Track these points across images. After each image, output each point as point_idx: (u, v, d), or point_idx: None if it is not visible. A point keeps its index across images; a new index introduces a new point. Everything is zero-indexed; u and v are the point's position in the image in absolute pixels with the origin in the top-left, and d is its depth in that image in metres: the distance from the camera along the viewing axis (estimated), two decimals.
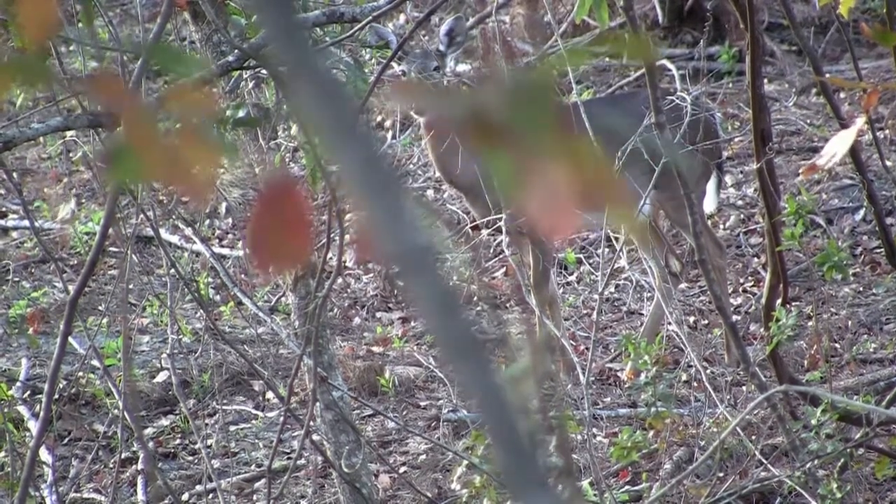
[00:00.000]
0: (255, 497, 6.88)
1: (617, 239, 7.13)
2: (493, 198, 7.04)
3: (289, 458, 6.92)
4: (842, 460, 5.54)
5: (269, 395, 7.70)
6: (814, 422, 5.46)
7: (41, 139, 10.30)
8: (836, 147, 3.33)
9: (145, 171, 1.75)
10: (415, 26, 5.41)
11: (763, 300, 5.89)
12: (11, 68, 1.88)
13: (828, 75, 5.48)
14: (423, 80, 7.15)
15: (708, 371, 6.89)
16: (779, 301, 5.79)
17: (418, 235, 1.41)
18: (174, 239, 9.10)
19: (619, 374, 7.65)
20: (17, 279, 9.16)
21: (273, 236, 1.65)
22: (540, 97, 1.56)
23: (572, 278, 8.86)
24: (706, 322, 8.15)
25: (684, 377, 7.10)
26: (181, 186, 1.76)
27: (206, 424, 7.40)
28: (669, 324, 7.29)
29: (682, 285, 8.11)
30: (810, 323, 7.67)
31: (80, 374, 7.43)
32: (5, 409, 6.97)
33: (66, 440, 7.42)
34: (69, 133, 9.58)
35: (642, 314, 8.30)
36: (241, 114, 4.75)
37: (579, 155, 1.57)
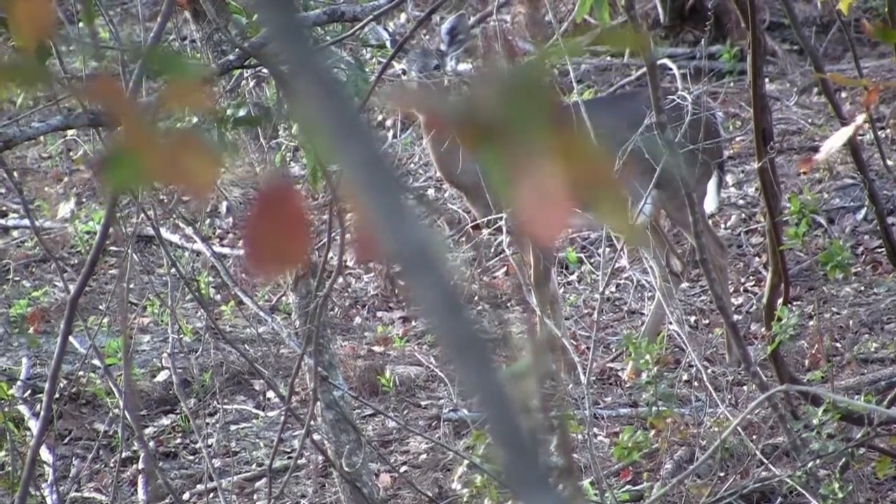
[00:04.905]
0: (255, 496, 6.88)
1: (618, 238, 7.12)
2: (493, 197, 7.04)
3: (289, 458, 6.92)
4: (843, 460, 5.54)
5: (270, 394, 7.70)
6: (815, 421, 5.45)
7: (42, 138, 10.30)
8: (835, 142, 3.33)
9: (141, 175, 1.74)
10: (415, 25, 5.41)
11: (764, 299, 5.89)
12: (8, 70, 1.87)
13: (829, 74, 5.48)
14: (424, 78, 7.14)
15: (709, 371, 6.89)
16: (780, 300, 5.78)
17: (420, 234, 1.40)
18: (175, 238, 9.10)
19: (620, 373, 7.65)
20: (17, 278, 9.15)
21: (270, 238, 1.65)
22: (535, 94, 1.56)
23: (573, 277, 8.85)
24: (707, 321, 8.14)
25: (685, 377, 7.10)
26: (180, 186, 1.75)
27: (207, 424, 7.40)
28: (670, 323, 7.28)
29: (684, 285, 8.11)
30: (811, 322, 7.67)
31: (81, 373, 7.42)
32: (6, 409, 6.97)
33: (66, 439, 7.42)
34: (70, 132, 9.58)
35: (643, 314, 8.29)
36: (241, 113, 4.74)
37: (575, 153, 1.56)
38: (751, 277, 8.61)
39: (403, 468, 6.91)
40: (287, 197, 1.64)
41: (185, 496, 6.89)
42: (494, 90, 1.55)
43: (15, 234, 9.73)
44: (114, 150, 1.71)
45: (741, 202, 9.37)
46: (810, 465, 5.37)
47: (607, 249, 6.44)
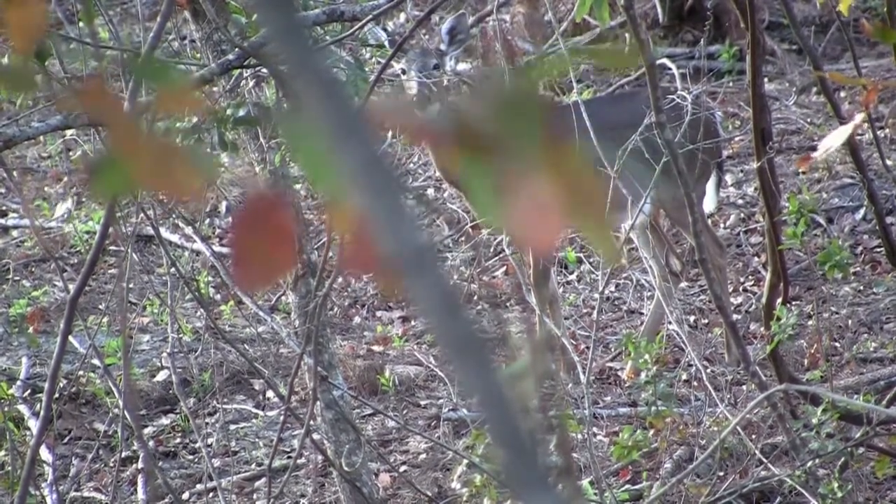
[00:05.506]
0: (255, 496, 6.88)
1: (617, 238, 7.12)
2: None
3: (289, 457, 6.92)
4: (842, 459, 5.54)
5: (270, 393, 7.70)
6: (814, 421, 5.46)
7: (41, 138, 10.30)
8: (833, 141, 3.33)
9: (129, 183, 1.74)
10: (415, 25, 5.41)
11: (763, 299, 5.89)
12: None
13: (828, 73, 5.48)
14: (423, 78, 7.14)
15: (708, 370, 6.89)
16: (779, 300, 5.79)
17: (419, 235, 1.41)
18: (174, 238, 9.10)
19: (619, 373, 7.65)
20: (17, 278, 9.15)
21: (256, 251, 1.65)
22: (526, 107, 1.56)
23: (573, 277, 8.86)
24: (706, 321, 8.14)
25: (684, 376, 7.10)
26: (172, 193, 1.75)
27: (207, 423, 7.40)
28: (670, 323, 7.29)
29: (683, 284, 8.11)
30: (811, 322, 7.67)
31: (81, 372, 7.43)
32: (6, 408, 6.97)
33: (66, 439, 7.42)
34: (69, 132, 9.58)
35: (642, 313, 8.29)
36: (241, 113, 4.75)
37: (564, 172, 1.56)
38: (750, 277, 8.61)
39: (403, 468, 6.91)
40: (273, 209, 1.64)
41: (185, 496, 6.89)
42: (483, 107, 1.55)
43: (15, 233, 9.73)
44: (101, 157, 1.71)
45: (740, 202, 9.38)
46: (809, 464, 5.37)
47: None
